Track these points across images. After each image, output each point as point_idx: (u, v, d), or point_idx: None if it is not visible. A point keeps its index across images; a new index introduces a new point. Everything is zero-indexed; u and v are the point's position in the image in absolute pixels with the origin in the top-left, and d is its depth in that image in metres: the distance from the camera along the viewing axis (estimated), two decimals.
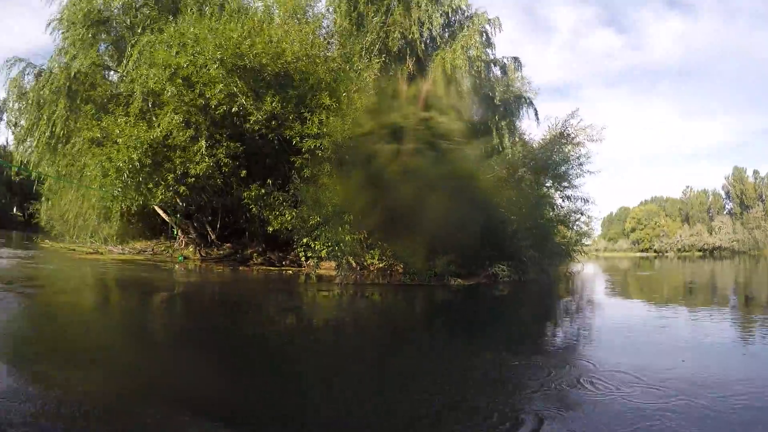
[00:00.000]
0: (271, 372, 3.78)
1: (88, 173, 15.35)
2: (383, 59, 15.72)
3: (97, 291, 8.47)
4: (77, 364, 3.71)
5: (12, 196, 36.76)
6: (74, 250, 16.60)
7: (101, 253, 15.86)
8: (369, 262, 11.79)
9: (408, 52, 17.11)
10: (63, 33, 17.68)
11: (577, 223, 17.16)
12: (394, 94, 13.74)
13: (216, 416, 2.61)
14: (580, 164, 15.86)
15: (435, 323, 7.06)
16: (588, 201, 16.33)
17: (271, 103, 12.79)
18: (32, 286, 8.05)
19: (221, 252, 15.40)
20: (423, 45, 17.58)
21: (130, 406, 2.83)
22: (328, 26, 17.25)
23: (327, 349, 4.79)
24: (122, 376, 3.59)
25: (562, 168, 15.74)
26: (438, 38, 17.95)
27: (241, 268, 13.66)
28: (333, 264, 11.57)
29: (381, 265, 11.89)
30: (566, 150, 15.70)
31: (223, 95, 12.80)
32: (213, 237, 15.99)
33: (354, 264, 11.29)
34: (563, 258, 16.42)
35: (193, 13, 15.58)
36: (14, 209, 38.25)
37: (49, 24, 18.00)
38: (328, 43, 16.82)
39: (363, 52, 16.15)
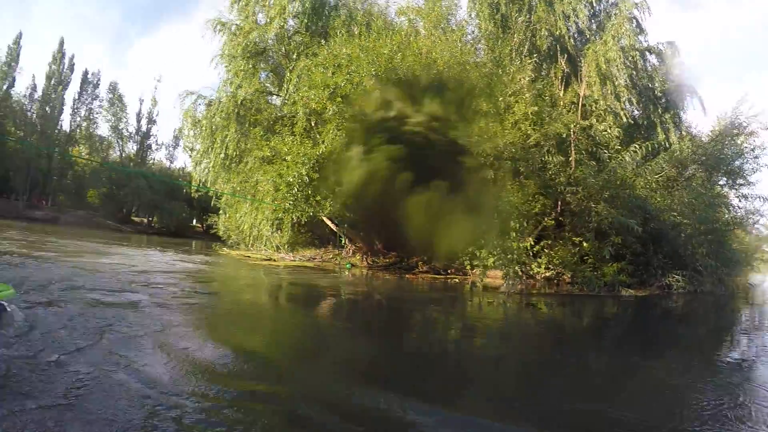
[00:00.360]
0: (437, 368, 4.07)
1: (261, 188, 17.18)
2: (534, 59, 15.74)
3: (274, 292, 9.28)
4: (265, 345, 4.61)
5: (191, 210, 43.35)
6: (249, 257, 18.36)
7: (274, 260, 17.44)
8: (535, 271, 11.90)
9: (558, 49, 16.85)
10: (226, 66, 20.10)
11: (755, 226, 16.04)
12: (553, 102, 13.84)
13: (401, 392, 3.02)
14: (756, 157, 14.84)
15: (604, 337, 6.80)
16: (767, 200, 15.10)
17: (430, 105, 13.37)
18: (218, 286, 9.31)
19: (387, 260, 16.26)
20: (572, 40, 17.21)
21: (310, 374, 3.55)
22: (473, 31, 17.58)
23: (492, 356, 4.82)
24: (303, 354, 4.39)
25: (736, 162, 14.80)
26: (586, 30, 17.52)
27: (407, 276, 14.22)
28: (499, 273, 11.73)
29: (547, 274, 11.98)
30: (739, 142, 14.73)
31: (378, 103, 13.66)
32: (379, 245, 16.72)
33: (520, 273, 11.37)
34: (741, 267, 15.24)
35: (342, 35, 16.75)
36: (194, 221, 44.91)
37: (212, 60, 20.62)
38: (476, 48, 17.24)
39: (513, 54, 16.28)
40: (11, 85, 49.16)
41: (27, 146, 46.10)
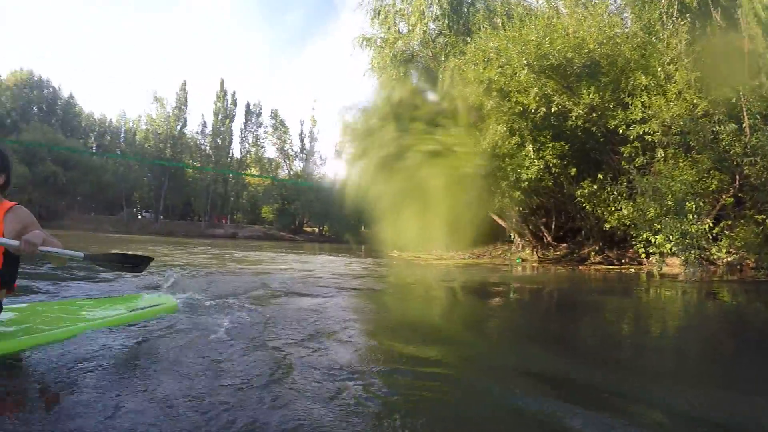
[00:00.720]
0: (611, 357, 3.90)
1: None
2: (687, 19, 15.18)
3: (443, 289, 9.50)
4: (444, 329, 4.95)
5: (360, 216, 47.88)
6: (419, 257, 19.78)
7: (444, 259, 18.80)
8: (716, 255, 11.56)
9: (709, 3, 16.09)
10: (378, 78, 22.32)
11: None
12: (715, 64, 13.26)
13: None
14: None
15: None
16: None
17: (589, 95, 13.28)
18: (392, 283, 10.09)
19: (558, 253, 16.76)
20: None
21: (488, 351, 3.86)
22: (615, 1, 17.27)
23: (669, 347, 4.45)
24: (479, 334, 4.73)
25: None
26: None
27: (580, 267, 14.38)
28: (676, 260, 11.60)
29: (729, 259, 11.56)
30: None
31: (538, 98, 13.91)
32: (549, 238, 17.47)
33: (700, 258, 11.12)
34: None
35: (485, 30, 17.31)
36: (362, 227, 49.40)
37: (364, 73, 22.95)
38: (622, 19, 16.86)
39: (663, 18, 15.85)
40: (184, 125, 61.07)
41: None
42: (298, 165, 62.75)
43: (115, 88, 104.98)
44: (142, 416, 2.04)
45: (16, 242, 2.83)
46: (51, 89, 63.19)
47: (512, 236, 19.27)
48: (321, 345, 3.58)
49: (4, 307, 3.28)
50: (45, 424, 1.92)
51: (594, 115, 13.76)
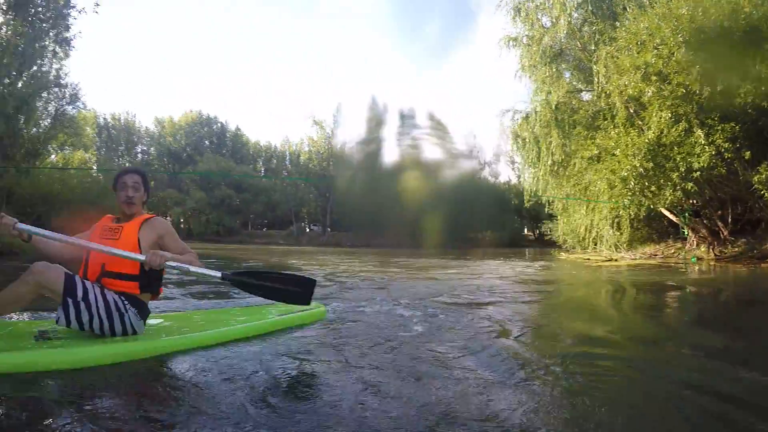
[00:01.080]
0: None
1: (594, 188, 18.64)
2: None
3: (619, 289, 9.36)
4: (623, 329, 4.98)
5: (522, 219, 48.84)
6: (588, 259, 19.92)
7: (615, 260, 18.71)
8: None
9: None
10: (530, 76, 22.89)
11: None
12: None
13: None
14: None
15: None
16: None
17: (755, 66, 12.58)
18: (564, 286, 10.14)
19: (736, 249, 15.99)
20: None
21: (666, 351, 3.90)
22: None
23: None
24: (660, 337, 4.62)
25: None
26: None
27: (762, 265, 13.61)
28: None
29: None
30: None
31: (700, 77, 13.39)
32: (725, 233, 16.73)
33: None
34: None
35: (632, 10, 16.97)
36: (525, 230, 50.39)
37: (515, 74, 23.61)
38: None
39: None
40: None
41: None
42: (465, 164, 63.09)
43: (277, 118, 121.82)
44: (378, 409, 2.21)
45: (141, 256, 3.02)
46: (219, 124, 75.10)
47: (686, 233, 18.52)
48: (511, 339, 3.89)
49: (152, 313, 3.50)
50: (296, 418, 2.07)
51: (764, 88, 12.95)
